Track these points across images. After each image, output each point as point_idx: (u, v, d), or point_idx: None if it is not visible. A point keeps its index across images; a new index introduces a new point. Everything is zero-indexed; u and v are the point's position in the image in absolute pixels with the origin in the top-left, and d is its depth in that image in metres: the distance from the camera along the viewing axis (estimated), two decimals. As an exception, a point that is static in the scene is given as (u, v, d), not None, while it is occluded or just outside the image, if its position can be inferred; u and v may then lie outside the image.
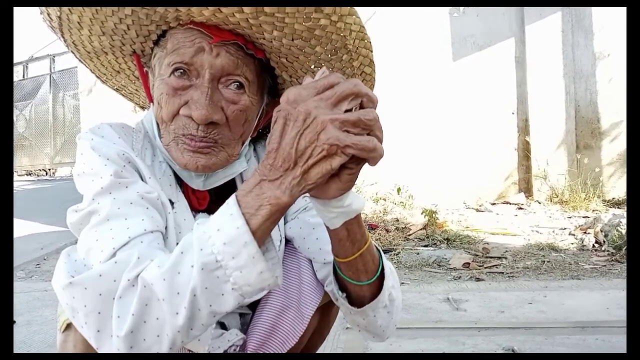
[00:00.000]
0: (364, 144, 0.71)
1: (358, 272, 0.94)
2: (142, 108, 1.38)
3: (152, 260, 0.80)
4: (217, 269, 0.75)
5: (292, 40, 0.97)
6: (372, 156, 0.73)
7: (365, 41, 1.00)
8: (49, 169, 15.04)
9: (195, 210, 1.06)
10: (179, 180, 1.06)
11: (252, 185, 0.75)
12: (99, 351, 0.81)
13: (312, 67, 1.05)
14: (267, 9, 0.90)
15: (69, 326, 0.92)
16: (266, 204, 0.74)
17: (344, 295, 1.00)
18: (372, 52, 1.04)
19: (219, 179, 1.06)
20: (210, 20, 0.95)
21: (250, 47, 1.00)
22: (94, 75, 1.24)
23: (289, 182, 0.73)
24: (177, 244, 0.91)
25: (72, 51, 1.15)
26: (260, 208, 0.74)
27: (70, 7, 0.97)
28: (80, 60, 1.18)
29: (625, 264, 3.25)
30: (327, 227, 0.89)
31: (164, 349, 0.79)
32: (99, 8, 0.96)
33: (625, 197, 5.22)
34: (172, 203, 1.01)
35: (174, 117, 0.98)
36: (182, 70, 0.97)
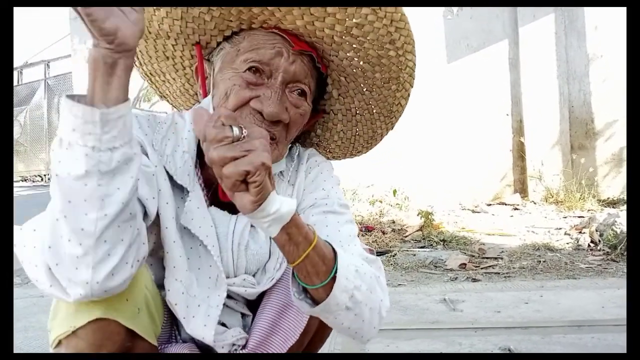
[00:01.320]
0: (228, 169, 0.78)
1: (309, 274, 0.92)
2: (162, 98, 1.40)
3: None
4: (60, 144, 0.79)
5: (362, 63, 1.10)
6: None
7: (412, 78, 1.15)
8: (44, 175, 14.98)
9: (218, 202, 1.09)
10: (201, 172, 1.09)
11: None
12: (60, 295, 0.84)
13: (364, 90, 1.17)
14: (354, 31, 1.02)
15: (60, 342, 0.92)
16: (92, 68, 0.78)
17: (302, 297, 0.98)
18: (412, 87, 1.17)
19: None
20: (296, 29, 1.04)
21: (320, 61, 1.11)
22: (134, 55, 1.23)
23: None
24: (187, 228, 1.01)
25: None
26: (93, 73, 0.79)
27: None
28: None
29: (621, 263, 3.27)
30: (271, 238, 0.90)
31: (72, 248, 0.80)
32: None
33: (620, 197, 5.25)
34: (187, 192, 1.05)
35: (239, 108, 1.03)
36: (256, 68, 1.04)
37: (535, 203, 5.34)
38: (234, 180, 0.78)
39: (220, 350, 1.05)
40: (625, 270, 3.10)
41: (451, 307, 2.55)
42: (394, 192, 5.30)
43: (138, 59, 1.27)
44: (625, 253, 3.37)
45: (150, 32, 1.16)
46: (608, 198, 5.29)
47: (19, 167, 14.32)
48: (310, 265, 0.91)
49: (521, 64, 5.52)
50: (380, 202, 5.30)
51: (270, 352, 1.11)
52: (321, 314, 0.98)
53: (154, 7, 1.08)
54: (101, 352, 0.89)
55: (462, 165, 5.54)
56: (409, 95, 1.19)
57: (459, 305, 2.58)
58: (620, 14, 5.16)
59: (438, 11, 5.60)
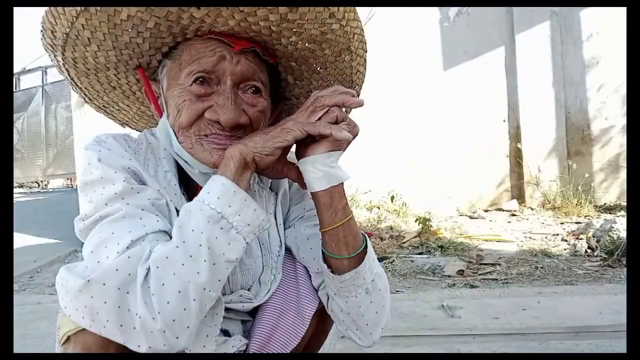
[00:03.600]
0: (313, 124, 0.94)
1: (339, 243, 1.02)
2: (123, 125, 1.39)
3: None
4: (219, 220, 0.88)
5: (307, 44, 1.06)
6: (322, 131, 0.94)
7: (363, 43, 1.10)
8: (42, 181, 14.96)
9: None
10: (183, 189, 1.08)
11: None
12: (127, 345, 0.84)
13: (318, 69, 1.14)
14: (290, 16, 0.98)
15: (69, 339, 0.92)
16: (231, 157, 0.93)
17: (329, 269, 1.05)
18: (366, 52, 1.13)
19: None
20: (231, 29, 1.01)
21: (265, 53, 1.07)
22: (80, 94, 1.24)
23: (248, 142, 0.95)
24: None
25: (66, 69, 1.14)
26: (228, 163, 0.93)
27: (83, 23, 0.98)
28: (71, 79, 1.18)
29: (618, 269, 3.28)
30: (313, 195, 1.01)
31: (193, 319, 0.85)
32: (117, 23, 0.98)
33: (617, 203, 5.27)
34: (177, 211, 1.03)
35: (194, 122, 1.02)
36: (202, 78, 1.02)
37: (532, 209, 5.36)
38: (303, 130, 0.95)
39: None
40: (622, 276, 3.11)
41: (449, 313, 2.55)
42: (392, 198, 5.31)
43: (86, 95, 1.24)
44: (623, 259, 3.38)
45: (88, 69, 1.13)
46: (605, 204, 5.31)
47: (16, 174, 14.26)
48: (343, 234, 1.02)
49: (518, 71, 5.55)
50: (378, 208, 5.30)
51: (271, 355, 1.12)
52: (344, 285, 1.04)
53: (84, 44, 1.04)
54: (108, 350, 0.90)
55: (459, 172, 5.55)
56: (365, 60, 1.15)
57: (457, 311, 2.58)
58: (616, 20, 5.20)
59: (434, 18, 5.63)
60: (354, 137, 0.99)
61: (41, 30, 1.05)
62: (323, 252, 1.06)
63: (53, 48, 1.08)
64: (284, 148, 0.96)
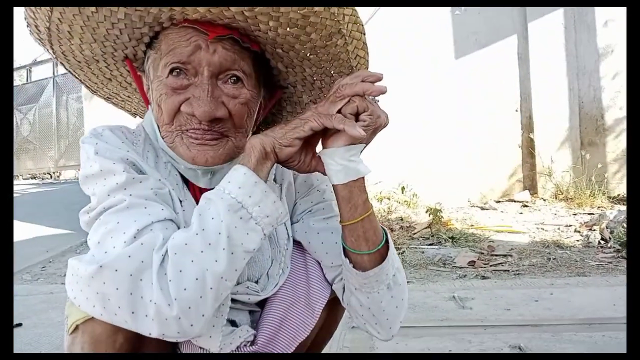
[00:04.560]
0: (328, 117, 0.91)
1: (359, 239, 1.00)
2: (134, 115, 1.38)
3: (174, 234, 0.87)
4: (239, 210, 0.87)
5: (288, 29, 0.98)
6: (336, 125, 0.90)
7: (358, 24, 1.02)
8: (54, 172, 15.07)
9: None
10: (184, 179, 1.06)
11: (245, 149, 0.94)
12: (138, 331, 0.83)
13: (308, 54, 1.06)
14: None
15: (77, 328, 0.93)
16: (252, 148, 0.92)
17: (351, 264, 1.03)
18: (364, 35, 1.04)
19: (225, 175, 1.07)
20: (204, 16, 0.95)
21: (246, 41, 1.01)
22: (84, 86, 1.24)
23: (269, 132, 0.94)
24: None
25: (61, 62, 1.14)
26: (250, 154, 0.92)
27: (59, 17, 0.97)
28: (70, 72, 1.18)
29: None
30: (334, 187, 0.98)
31: (209, 307, 0.84)
32: (90, 15, 0.96)
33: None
34: (180, 201, 1.02)
35: (174, 116, 0.99)
36: (179, 70, 0.98)
37: (544, 200, 5.31)
38: (319, 121, 0.93)
39: (227, 349, 1.04)
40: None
41: (460, 304, 2.53)
42: (402, 189, 5.28)
43: (89, 86, 1.24)
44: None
45: (79, 61, 1.12)
46: (618, 195, 5.24)
47: (28, 165, 14.41)
48: (362, 230, 1.00)
49: (530, 60, 5.47)
50: (389, 199, 5.28)
51: (279, 348, 1.11)
52: (367, 281, 1.03)
53: (67, 37, 1.03)
54: (117, 338, 0.90)
55: (470, 162, 5.51)
56: (364, 43, 1.05)
57: (468, 302, 2.56)
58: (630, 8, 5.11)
59: (446, 7, 5.56)
60: (382, 128, 0.96)
61: (27, 26, 1.05)
62: (343, 246, 1.04)
63: (42, 42, 1.08)
64: (304, 139, 0.94)
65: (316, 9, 0.92)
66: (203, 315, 0.84)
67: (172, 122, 1.00)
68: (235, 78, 1.00)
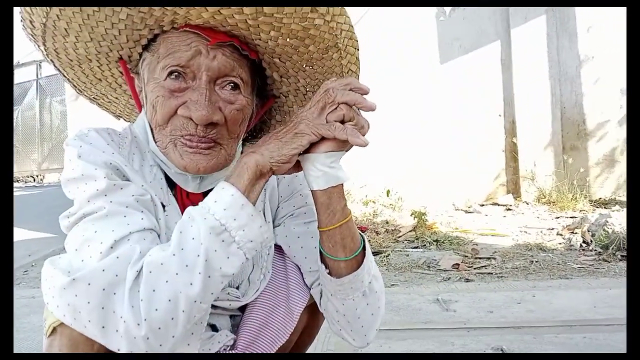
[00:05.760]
0: (327, 127, 0.90)
1: (336, 245, 1.00)
2: (118, 117, 1.37)
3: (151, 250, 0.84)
4: (222, 232, 0.85)
5: (288, 39, 1.00)
6: (338, 135, 0.90)
7: (354, 40, 1.05)
8: (37, 176, 14.89)
9: None
10: (170, 184, 1.06)
11: (236, 165, 0.91)
12: (108, 346, 0.82)
13: (304, 66, 1.08)
14: (266, 10, 0.92)
15: (54, 330, 0.92)
16: (246, 168, 0.89)
17: (327, 270, 1.04)
18: (358, 50, 1.08)
19: (215, 180, 1.06)
20: (207, 22, 0.96)
21: (245, 48, 1.02)
22: (71, 85, 1.23)
23: (264, 150, 0.90)
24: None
25: (51, 60, 1.13)
26: (242, 173, 0.89)
27: (58, 14, 0.97)
28: (58, 69, 1.17)
29: (612, 263, 3.30)
30: (312, 193, 0.98)
31: (179, 329, 0.82)
32: (90, 13, 0.96)
33: (612, 197, 5.29)
34: (163, 206, 1.01)
35: (169, 119, 0.99)
36: (177, 73, 0.98)
37: (527, 203, 5.37)
38: (317, 133, 0.92)
39: (207, 352, 1.04)
40: (617, 270, 3.12)
41: (444, 307, 2.55)
42: (388, 192, 5.31)
43: (76, 86, 1.23)
44: (618, 253, 3.40)
45: (71, 60, 1.12)
46: (600, 198, 5.32)
47: (11, 168, 14.22)
48: (340, 236, 0.99)
49: (513, 65, 5.54)
50: (374, 202, 5.30)
51: (259, 351, 1.11)
52: (342, 288, 1.02)
53: (62, 35, 1.03)
54: (95, 342, 0.87)
55: (455, 166, 5.56)
56: (357, 59, 1.08)
57: (452, 305, 2.58)
58: (611, 15, 5.20)
59: (430, 12, 5.62)
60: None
61: (21, 20, 1.04)
62: (320, 251, 1.04)
63: (35, 38, 1.07)
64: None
65: (317, 21, 0.96)
66: (173, 337, 0.83)
67: (167, 124, 0.99)
68: (233, 84, 1.01)
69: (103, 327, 0.80)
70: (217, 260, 0.84)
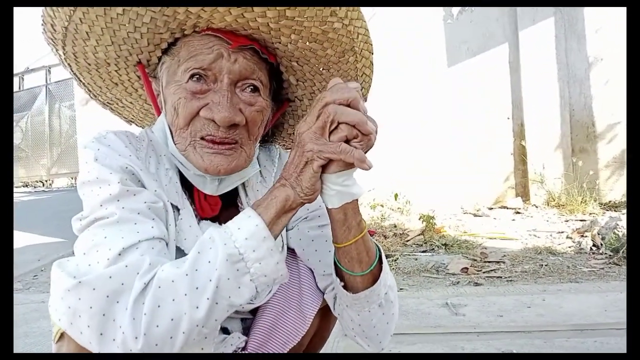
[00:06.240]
0: (333, 149, 0.86)
1: (352, 260, 0.99)
2: (130, 122, 1.38)
3: (164, 264, 0.84)
4: (238, 262, 0.84)
5: (307, 43, 1.02)
6: (345, 158, 0.86)
7: (369, 44, 1.06)
8: (46, 180, 15.00)
9: (200, 217, 1.06)
10: (185, 187, 1.06)
11: (266, 194, 0.91)
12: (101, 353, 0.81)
13: (321, 69, 1.10)
14: (288, 13, 0.94)
15: (62, 336, 0.91)
16: (275, 201, 0.89)
17: (342, 284, 1.03)
18: (373, 54, 1.09)
19: (233, 182, 1.07)
20: (229, 25, 0.98)
21: (264, 52, 1.04)
22: (85, 90, 1.24)
23: (291, 184, 0.89)
24: (180, 249, 0.96)
25: (68, 64, 1.14)
26: (270, 206, 0.88)
27: (81, 17, 0.98)
28: (74, 74, 1.17)
29: (623, 267, 3.26)
30: (327, 209, 0.97)
31: (175, 349, 0.82)
32: (114, 17, 0.97)
33: (622, 200, 5.24)
34: (178, 210, 1.02)
35: (191, 121, 1.00)
36: (199, 76, 0.99)
37: (537, 207, 5.34)
38: (324, 157, 0.88)
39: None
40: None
41: (453, 311, 2.54)
42: (396, 196, 5.30)
43: (91, 90, 1.23)
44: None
45: (89, 64, 1.12)
46: (610, 201, 5.28)
47: (20, 173, 14.34)
48: (356, 252, 0.99)
49: (522, 68, 5.52)
50: (382, 206, 5.29)
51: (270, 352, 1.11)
52: (358, 302, 1.02)
53: (83, 38, 1.03)
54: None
55: (463, 169, 5.54)
56: (371, 63, 1.10)
57: (461, 309, 2.57)
58: (620, 16, 5.17)
59: (438, 15, 5.61)
60: (371, 147, 0.92)
61: (42, 24, 1.04)
62: (336, 265, 1.04)
63: (54, 42, 1.08)
64: None
65: (335, 25, 0.97)
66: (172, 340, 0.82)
67: (188, 126, 1.00)
68: (252, 87, 1.02)
69: (101, 334, 0.80)
70: (227, 289, 0.83)
